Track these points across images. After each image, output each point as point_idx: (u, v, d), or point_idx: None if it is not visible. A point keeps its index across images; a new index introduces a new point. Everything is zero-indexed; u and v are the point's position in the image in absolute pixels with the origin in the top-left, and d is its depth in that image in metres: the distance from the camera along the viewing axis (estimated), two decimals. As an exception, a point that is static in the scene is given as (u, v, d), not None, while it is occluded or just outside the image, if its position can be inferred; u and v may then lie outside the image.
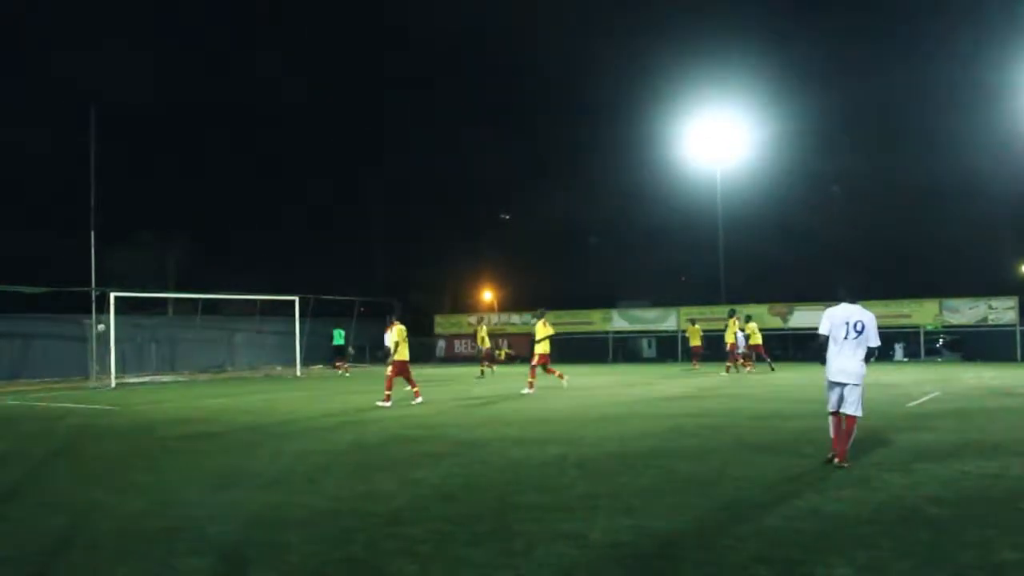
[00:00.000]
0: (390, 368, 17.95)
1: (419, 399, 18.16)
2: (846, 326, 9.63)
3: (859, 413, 9.53)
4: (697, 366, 31.14)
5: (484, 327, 30.15)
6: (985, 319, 38.04)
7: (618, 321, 44.03)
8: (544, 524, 6.87)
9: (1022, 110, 42.25)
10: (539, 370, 21.17)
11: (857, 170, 53.59)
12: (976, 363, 34.99)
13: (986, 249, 51.20)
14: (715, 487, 8.30)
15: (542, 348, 21.29)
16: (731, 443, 11.37)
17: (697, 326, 32.74)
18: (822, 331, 9.90)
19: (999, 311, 37.86)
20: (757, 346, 30.59)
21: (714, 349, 34.29)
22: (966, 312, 38.35)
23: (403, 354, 18.04)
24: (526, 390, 20.64)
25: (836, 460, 9.36)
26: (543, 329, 21.45)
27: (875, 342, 9.59)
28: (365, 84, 65.35)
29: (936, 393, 18.47)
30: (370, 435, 12.98)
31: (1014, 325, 37.36)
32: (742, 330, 29.60)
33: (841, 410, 9.58)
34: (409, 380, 18.33)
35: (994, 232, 51.29)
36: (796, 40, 60.63)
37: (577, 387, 22.65)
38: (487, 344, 29.63)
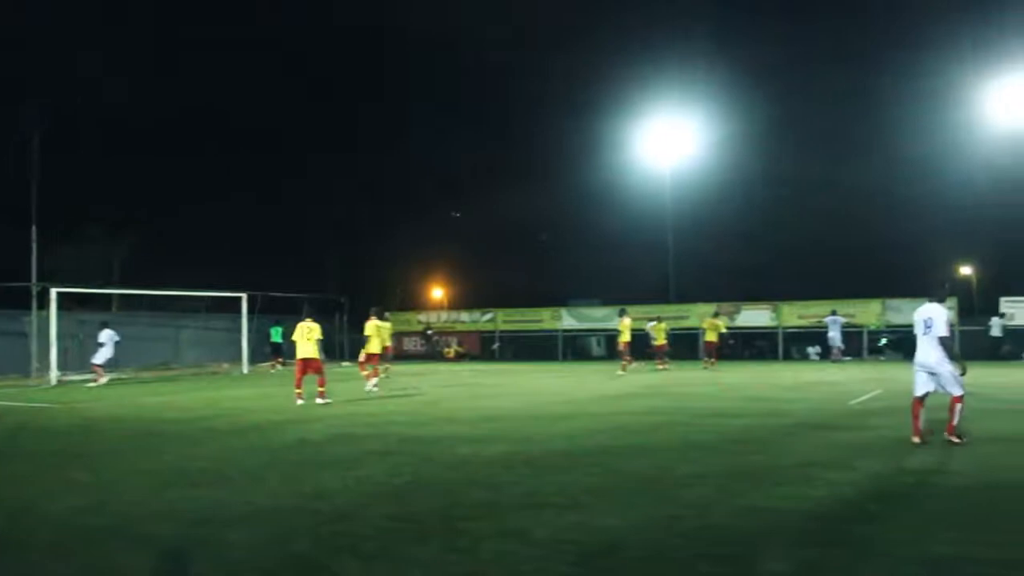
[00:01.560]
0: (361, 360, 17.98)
1: (323, 400, 17.60)
2: (922, 323, 11.00)
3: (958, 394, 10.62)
4: (663, 365, 31.18)
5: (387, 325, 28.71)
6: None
7: (568, 320, 44.13)
8: (489, 522, 6.85)
9: (963, 116, 43.03)
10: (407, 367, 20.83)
11: (805, 172, 54.26)
12: (917, 362, 35.50)
13: (927, 250, 52.15)
14: (659, 484, 8.34)
15: (372, 347, 21.26)
16: (677, 441, 11.44)
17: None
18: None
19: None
20: (708, 343, 31.32)
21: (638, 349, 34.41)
22: (908, 312, 38.85)
23: (372, 347, 18.07)
24: (369, 387, 20.54)
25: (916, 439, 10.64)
26: (373, 328, 21.37)
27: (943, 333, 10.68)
28: (317, 80, 64.78)
29: (878, 391, 18.74)
30: (315, 432, 12.87)
31: (953, 326, 37.95)
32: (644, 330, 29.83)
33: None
34: (319, 376, 17.89)
35: (935, 234, 52.26)
36: (747, 43, 61.24)
37: (526, 385, 22.67)
38: (388, 343, 28.22)
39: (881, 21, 57.68)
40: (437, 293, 61.63)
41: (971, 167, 46.39)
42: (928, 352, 10.78)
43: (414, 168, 61.44)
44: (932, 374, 10.73)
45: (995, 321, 36.18)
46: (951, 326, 10.69)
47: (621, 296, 45.34)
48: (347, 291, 43.34)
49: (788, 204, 55.61)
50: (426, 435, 12.40)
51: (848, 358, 37.97)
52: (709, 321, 32.82)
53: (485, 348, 45.92)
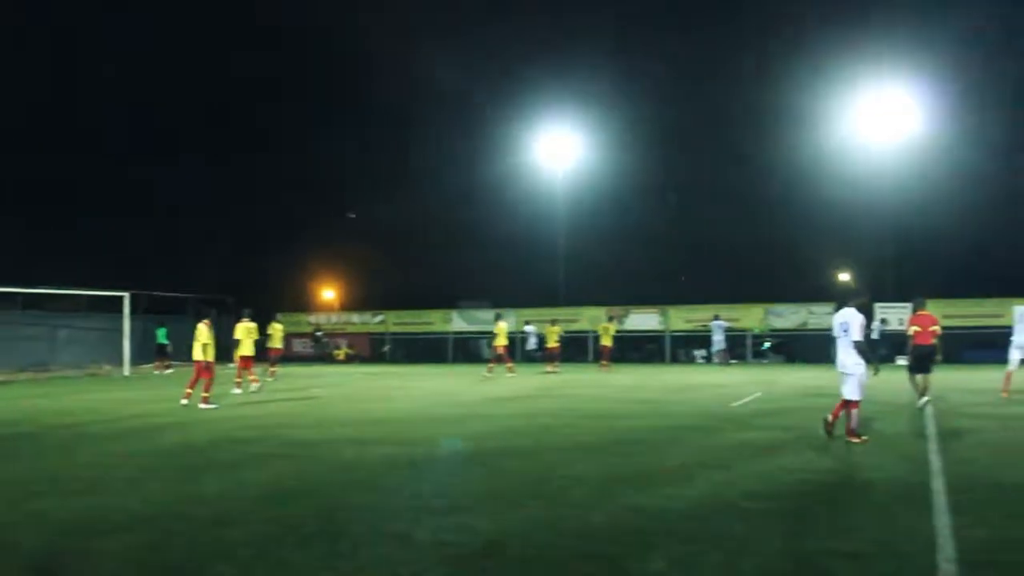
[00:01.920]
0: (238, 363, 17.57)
1: (186, 402, 17.37)
2: (840, 327, 11.62)
3: (847, 396, 11.25)
4: (553, 368, 31.37)
5: (279, 326, 28.24)
6: (806, 323, 40.04)
7: (458, 322, 44.19)
8: (372, 525, 6.84)
9: (840, 127, 44.60)
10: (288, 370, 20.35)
11: (693, 178, 55.48)
12: (798, 365, 36.74)
13: (808, 257, 53.85)
14: (543, 486, 8.43)
15: (244, 349, 20.90)
16: (561, 442, 11.57)
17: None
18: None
19: (819, 316, 39.84)
20: (604, 347, 31.87)
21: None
22: (789, 317, 40.28)
23: (244, 350, 17.75)
24: (237, 390, 20.07)
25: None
26: (243, 330, 21.04)
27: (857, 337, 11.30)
28: (208, 78, 63.30)
29: (759, 394, 19.29)
30: (198, 436, 12.63)
31: (831, 329, 39.36)
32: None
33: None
34: (207, 380, 17.43)
35: (815, 241, 54.00)
36: (639, 52, 62.22)
37: (415, 388, 22.63)
38: (278, 344, 27.74)
39: (764, 35, 59.25)
40: (328, 294, 60.90)
41: (849, 176, 48.05)
42: (845, 355, 11.37)
43: (307, 168, 60.58)
44: (853, 375, 11.26)
45: (875, 326, 37.59)
46: (868, 329, 11.25)
47: (512, 299, 45.63)
48: (235, 291, 42.50)
49: (677, 210, 56.75)
50: (311, 438, 12.28)
51: (734, 361, 38.98)
52: (603, 325, 33.29)
53: (376, 350, 45.63)
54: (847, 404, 11.25)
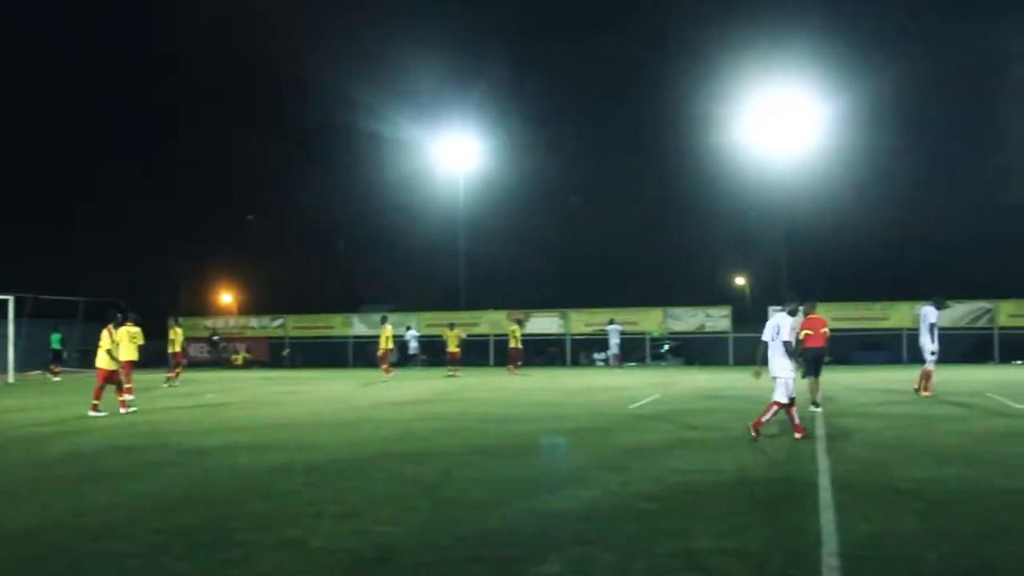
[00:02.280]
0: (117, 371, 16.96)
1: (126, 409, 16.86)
2: (773, 330, 11.95)
3: (776, 399, 11.74)
4: (515, 370, 31.30)
5: (179, 330, 27.62)
6: (703, 326, 40.87)
7: (359, 326, 43.84)
8: (266, 533, 6.72)
9: (740, 135, 45.66)
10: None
11: (595, 184, 56.13)
12: (695, 367, 37.46)
13: (705, 261, 55.03)
14: (440, 490, 8.42)
15: (125, 354, 18.27)
16: (459, 446, 11.57)
17: (456, 330, 33.09)
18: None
19: (715, 319, 40.76)
20: (513, 349, 32.03)
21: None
22: (687, 320, 41.04)
23: (128, 354, 17.24)
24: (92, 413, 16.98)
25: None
26: (124, 334, 18.77)
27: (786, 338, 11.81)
28: (103, 77, 61.50)
29: (657, 396, 19.60)
30: (87, 445, 12.26)
31: (727, 332, 40.36)
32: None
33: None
34: (101, 387, 16.91)
35: (712, 246, 55.22)
36: (543, 60, 62.68)
37: (314, 392, 22.38)
38: (178, 348, 27.10)
39: (663, 41, 60.37)
40: (226, 298, 59.78)
41: (744, 182, 49.28)
42: (780, 357, 11.82)
43: (204, 169, 59.39)
44: (786, 378, 11.73)
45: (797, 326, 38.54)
46: (795, 332, 12.12)
47: (414, 302, 45.50)
48: (129, 295, 41.38)
49: (577, 214, 57.34)
50: (206, 445, 12.04)
51: (633, 363, 39.54)
52: (512, 328, 33.35)
53: (275, 355, 44.97)
54: (774, 404, 11.75)
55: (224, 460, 10.58)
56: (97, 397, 16.74)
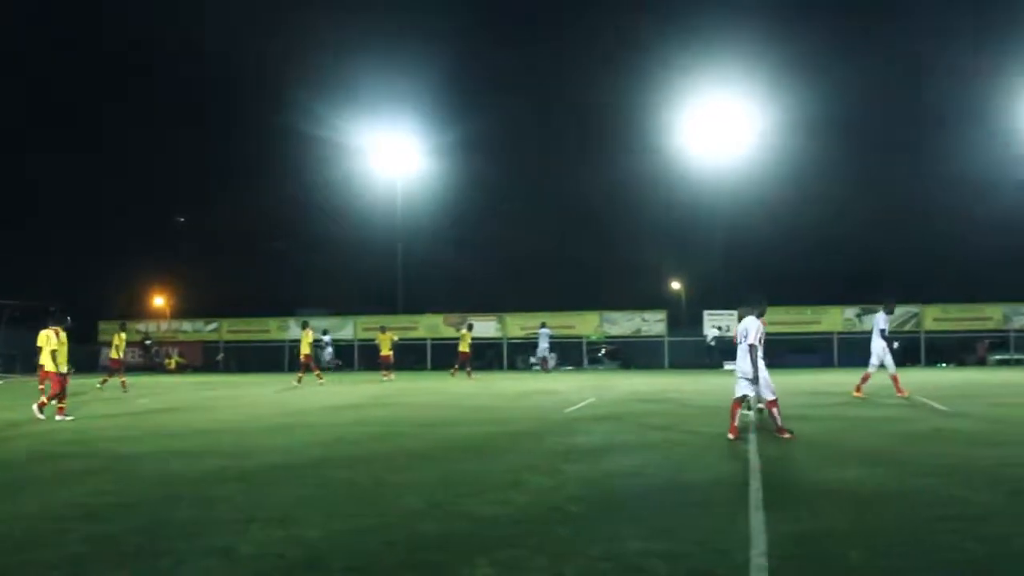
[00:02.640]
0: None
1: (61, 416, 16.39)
2: (741, 333, 12.27)
3: (767, 398, 12.11)
4: (387, 376, 31.12)
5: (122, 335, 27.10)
6: (639, 330, 41.22)
7: (295, 330, 43.41)
8: (195, 540, 6.62)
9: (677, 141, 46.23)
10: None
11: (530, 187, 56.29)
12: (632, 370, 37.77)
13: (642, 266, 55.53)
14: (373, 495, 8.37)
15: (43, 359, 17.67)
16: (393, 451, 11.52)
17: (389, 334, 32.92)
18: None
19: (651, 323, 41.16)
20: (462, 353, 32.08)
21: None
22: (623, 324, 41.38)
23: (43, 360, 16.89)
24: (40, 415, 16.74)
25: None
26: (43, 338, 18.02)
27: (752, 341, 11.99)
28: (36, 76, 60.13)
29: (592, 399, 19.72)
30: (10, 453, 11.97)
31: (663, 336, 40.77)
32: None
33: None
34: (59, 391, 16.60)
35: (649, 250, 55.74)
36: (482, 60, 62.73)
37: (248, 397, 22.13)
38: (121, 354, 26.63)
39: (601, 47, 60.79)
40: (158, 301, 58.82)
41: (681, 187, 49.86)
42: (744, 360, 12.09)
43: (134, 170, 58.37)
44: (748, 380, 12.03)
45: (711, 332, 39.14)
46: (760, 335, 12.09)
47: (351, 305, 45.22)
48: (57, 298, 40.49)
49: (515, 218, 57.44)
50: (137, 451, 11.83)
51: (570, 367, 39.73)
52: (461, 332, 33.38)
53: (209, 359, 44.37)
54: (769, 404, 12.13)
55: (154, 466, 10.40)
56: (61, 401, 16.39)
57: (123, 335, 26.43)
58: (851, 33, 58.03)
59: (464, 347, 32.37)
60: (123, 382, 25.73)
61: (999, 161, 47.28)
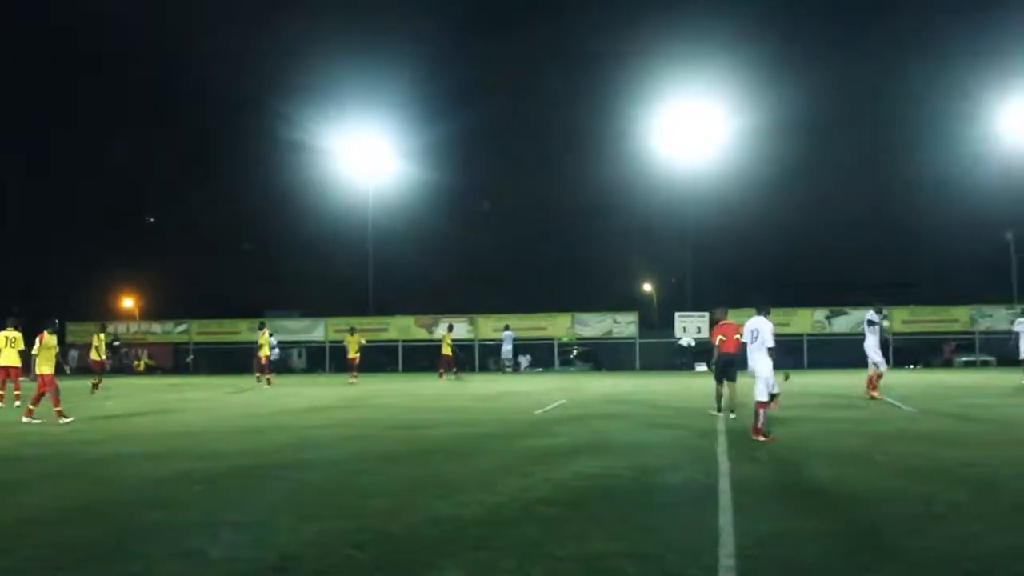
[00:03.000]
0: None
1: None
2: (751, 333, 12.52)
3: (759, 398, 12.16)
4: (354, 378, 30.90)
5: (101, 336, 26.86)
6: (610, 332, 41.34)
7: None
8: (164, 544, 6.58)
9: (648, 145, 46.44)
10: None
11: (502, 189, 56.34)
12: (603, 372, 37.86)
13: (613, 268, 55.72)
14: (343, 497, 8.36)
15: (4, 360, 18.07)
16: (363, 453, 11.52)
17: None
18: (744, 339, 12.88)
19: (622, 325, 41.27)
20: (445, 356, 32.49)
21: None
22: (595, 325, 41.47)
23: (10, 360, 16.73)
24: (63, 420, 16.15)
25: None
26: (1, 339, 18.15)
27: (770, 343, 12.28)
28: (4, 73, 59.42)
29: (563, 401, 19.75)
30: (-24, 456, 11.83)
31: (634, 338, 40.91)
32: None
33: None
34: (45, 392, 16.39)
35: (621, 253, 55.95)
36: (446, 59, 62.68)
37: (218, 400, 22.00)
38: (103, 355, 26.38)
39: (573, 51, 60.97)
40: (127, 303, 58.31)
41: (651, 191, 50.11)
42: (756, 359, 12.37)
43: (105, 171, 57.84)
44: (766, 380, 12.24)
45: (687, 339, 39.41)
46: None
47: (322, 307, 45.05)
48: (25, 299, 40.11)
49: (487, 220, 57.46)
50: (104, 454, 11.74)
51: (540, 369, 39.76)
52: (443, 335, 33.37)
53: (178, 361, 44.06)
54: (759, 405, 12.19)
55: (122, 469, 10.33)
56: (57, 405, 16.15)
57: (103, 336, 26.28)
58: (824, 37, 58.57)
59: (446, 349, 32.42)
60: (95, 384, 25.46)
61: (967, 166, 47.87)
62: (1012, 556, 6.02)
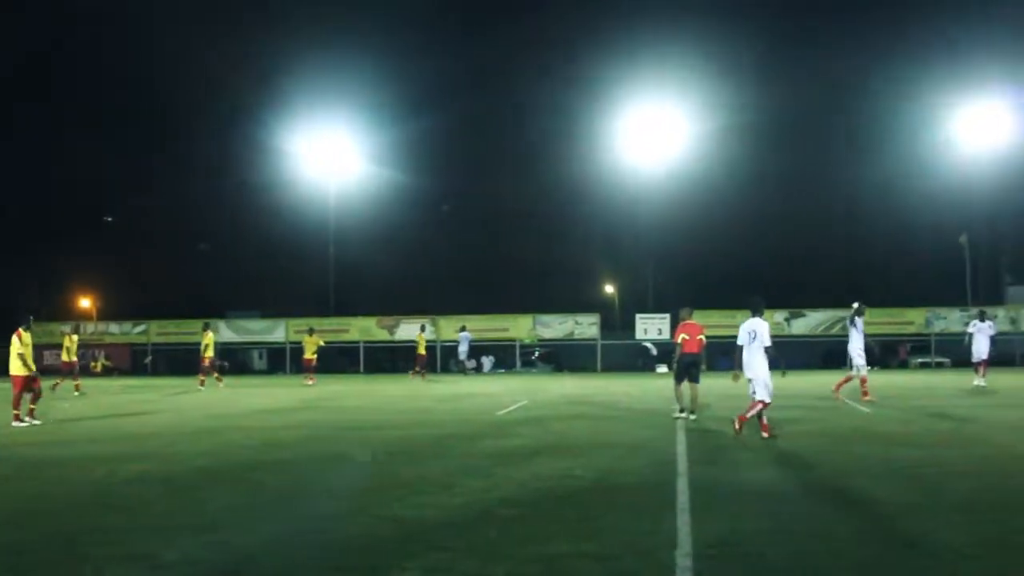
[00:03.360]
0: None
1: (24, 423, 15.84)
2: (748, 335, 12.61)
3: (760, 398, 12.38)
4: (311, 380, 30.70)
5: (75, 337, 26.62)
6: (572, 333, 41.44)
7: (226, 332, 42.80)
8: (118, 547, 6.50)
9: (610, 147, 46.59)
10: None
11: (465, 189, 56.31)
12: (565, 373, 37.94)
13: (575, 269, 55.87)
14: (302, 499, 8.33)
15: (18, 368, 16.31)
16: (322, 454, 11.46)
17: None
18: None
19: (584, 326, 41.39)
20: (421, 356, 33.01)
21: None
22: (556, 327, 41.55)
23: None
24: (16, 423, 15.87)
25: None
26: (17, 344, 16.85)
27: (767, 343, 12.50)
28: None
29: (525, 402, 19.77)
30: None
31: (596, 339, 41.05)
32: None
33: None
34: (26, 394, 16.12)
35: (583, 254, 56.12)
36: (411, 58, 62.49)
37: (177, 401, 21.79)
38: (74, 356, 26.08)
39: (541, 51, 61.09)
40: (84, 303, 57.54)
41: (615, 193, 50.30)
42: (754, 361, 12.57)
43: (62, 170, 57.03)
44: (765, 381, 12.47)
45: (650, 346, 39.62)
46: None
47: (281, 308, 44.76)
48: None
49: (449, 220, 57.39)
50: (57, 456, 11.58)
51: (503, 370, 39.77)
52: (418, 335, 33.51)
53: (137, 362, 43.57)
54: (757, 404, 12.42)
55: (75, 472, 10.20)
56: (16, 407, 15.91)
57: (75, 337, 26.00)
58: (781, 42, 59.08)
59: (421, 349, 32.83)
60: (55, 385, 25.08)
61: (923, 169, 48.47)
62: (961, 555, 6.11)
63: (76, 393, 24.67)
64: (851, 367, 19.19)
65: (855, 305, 19.22)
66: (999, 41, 49.77)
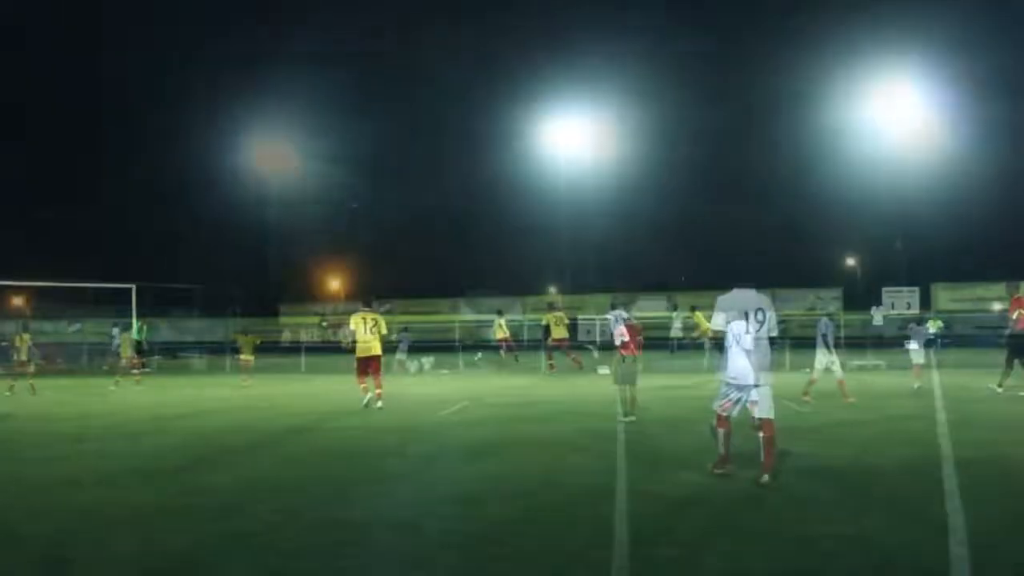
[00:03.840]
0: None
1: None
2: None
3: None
4: (246, 382, 30.21)
5: (26, 336, 25.95)
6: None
7: (165, 331, 42.27)
8: (42, 551, 6.41)
9: (544, 144, 46.82)
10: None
11: (376, 194, 56.27)
12: (509, 373, 37.87)
13: (517, 270, 55.99)
14: (238, 500, 8.26)
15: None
16: (259, 456, 11.39)
17: (251, 337, 32.23)
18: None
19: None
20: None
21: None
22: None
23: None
24: None
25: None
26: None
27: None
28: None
29: (466, 402, 19.67)
30: None
31: (539, 340, 41.18)
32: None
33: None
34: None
35: (535, 259, 56.36)
36: (335, 64, 62.06)
37: (114, 396, 21.45)
38: (25, 356, 25.50)
39: (475, 53, 61.19)
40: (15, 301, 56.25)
41: (545, 193, 50.67)
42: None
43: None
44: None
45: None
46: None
47: (223, 308, 44.30)
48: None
49: (362, 216, 57.16)
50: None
51: (445, 371, 39.67)
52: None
53: (73, 361, 42.77)
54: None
55: (5, 473, 10.03)
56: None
57: (26, 336, 25.31)
58: (712, 40, 59.46)
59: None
60: (11, 386, 24.49)
61: (857, 174, 48.99)
62: (905, 551, 6.25)
63: (8, 393, 24.10)
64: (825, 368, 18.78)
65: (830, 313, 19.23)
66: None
